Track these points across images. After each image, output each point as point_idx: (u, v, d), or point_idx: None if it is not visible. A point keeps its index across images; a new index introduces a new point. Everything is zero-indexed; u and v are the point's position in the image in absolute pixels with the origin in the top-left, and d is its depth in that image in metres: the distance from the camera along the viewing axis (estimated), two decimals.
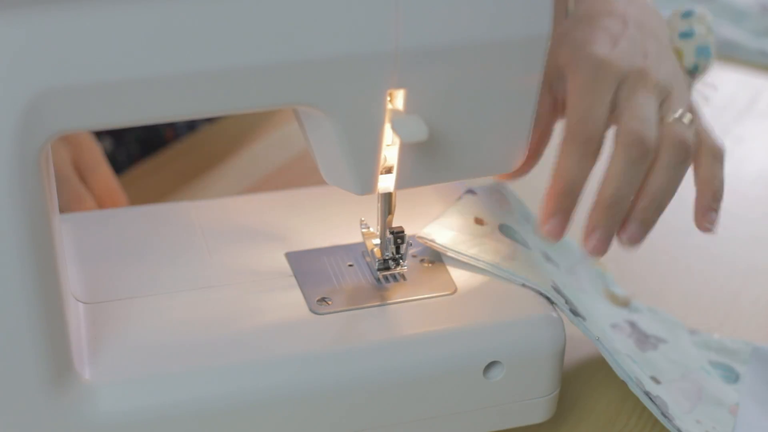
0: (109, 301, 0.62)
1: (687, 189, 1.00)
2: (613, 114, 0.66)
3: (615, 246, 0.92)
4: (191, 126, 1.03)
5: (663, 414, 0.65)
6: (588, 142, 0.65)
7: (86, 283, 0.63)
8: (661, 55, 0.71)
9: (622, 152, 0.65)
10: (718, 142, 0.70)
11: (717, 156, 0.70)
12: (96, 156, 0.85)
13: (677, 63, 0.73)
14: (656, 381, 0.70)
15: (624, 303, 0.80)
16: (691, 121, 0.68)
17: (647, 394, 0.65)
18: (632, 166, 0.65)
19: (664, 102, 0.68)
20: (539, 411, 0.65)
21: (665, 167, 0.66)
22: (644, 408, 0.73)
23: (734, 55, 1.28)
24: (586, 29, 0.70)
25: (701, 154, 0.69)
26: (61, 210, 0.79)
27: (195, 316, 0.61)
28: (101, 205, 0.83)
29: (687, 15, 0.78)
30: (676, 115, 0.67)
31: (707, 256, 0.91)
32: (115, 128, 0.68)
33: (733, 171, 1.03)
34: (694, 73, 0.76)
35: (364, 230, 0.66)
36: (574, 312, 0.65)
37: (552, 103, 0.70)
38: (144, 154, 0.99)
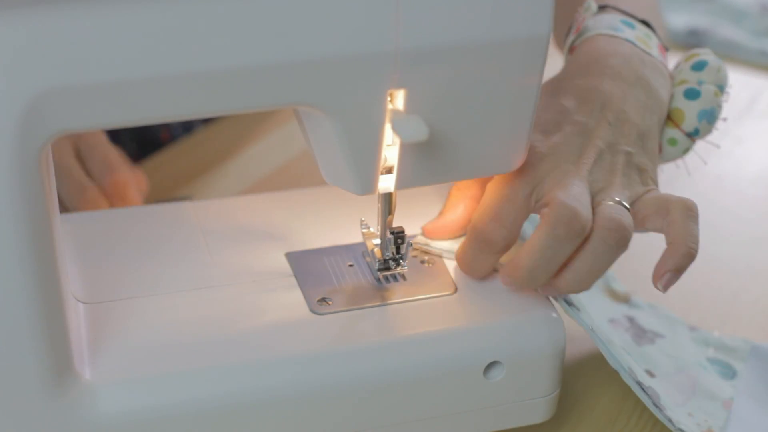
0: (109, 301, 0.62)
1: (683, 191, 1.00)
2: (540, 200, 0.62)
3: None
4: (187, 128, 1.03)
5: (654, 404, 0.65)
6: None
7: (86, 283, 0.63)
8: (619, 145, 0.65)
9: (547, 227, 0.60)
10: (690, 200, 0.64)
11: (691, 212, 0.63)
12: (97, 138, 0.84)
13: (652, 144, 0.68)
14: (651, 374, 0.70)
15: (624, 299, 0.80)
16: (629, 207, 0.63)
17: (639, 384, 0.65)
18: (557, 243, 0.60)
19: (600, 190, 0.63)
20: (539, 411, 0.65)
21: (593, 250, 0.61)
22: (644, 408, 0.73)
23: (734, 55, 1.28)
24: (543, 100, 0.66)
25: (673, 211, 0.63)
26: (64, 204, 0.79)
27: (195, 316, 0.61)
28: (109, 194, 0.81)
29: (698, 67, 0.72)
30: (615, 199, 0.63)
31: (707, 256, 0.90)
32: (116, 128, 0.68)
33: (733, 171, 1.03)
34: (693, 136, 0.71)
35: (364, 230, 0.66)
36: (568, 302, 0.65)
37: None
38: (140, 155, 0.98)
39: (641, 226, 0.65)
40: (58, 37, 0.48)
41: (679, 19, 1.34)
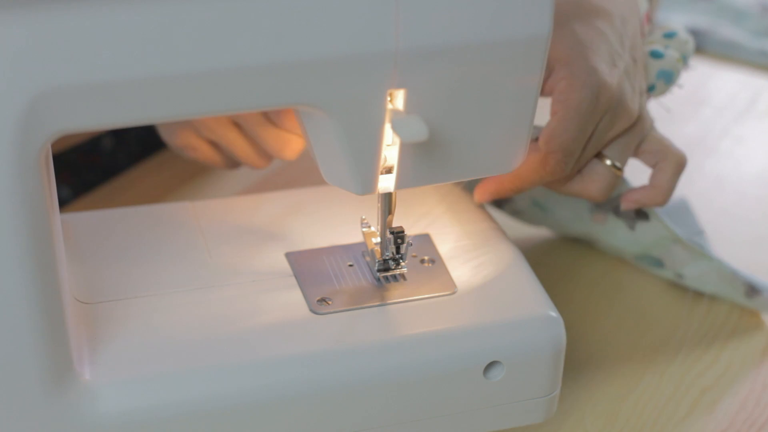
0: (109, 301, 0.62)
1: (683, 191, 1.00)
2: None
3: None
4: None
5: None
6: (566, 157, 0.67)
7: (86, 283, 0.63)
8: (637, 75, 0.73)
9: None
10: (683, 156, 0.74)
11: (681, 167, 0.73)
12: None
13: (643, 78, 0.74)
14: None
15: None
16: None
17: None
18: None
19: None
20: (539, 411, 0.64)
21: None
22: (644, 408, 0.73)
23: (734, 55, 1.28)
24: (583, 28, 0.70)
25: (668, 161, 0.73)
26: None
27: (195, 316, 0.61)
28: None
29: (669, 35, 0.79)
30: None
31: None
32: (116, 128, 0.68)
33: (733, 171, 1.03)
34: (649, 92, 0.77)
35: (364, 229, 0.66)
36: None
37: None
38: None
39: (636, 155, 0.74)
40: (58, 37, 0.48)
41: (679, 19, 1.34)
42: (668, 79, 0.78)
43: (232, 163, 0.81)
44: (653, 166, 0.74)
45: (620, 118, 0.70)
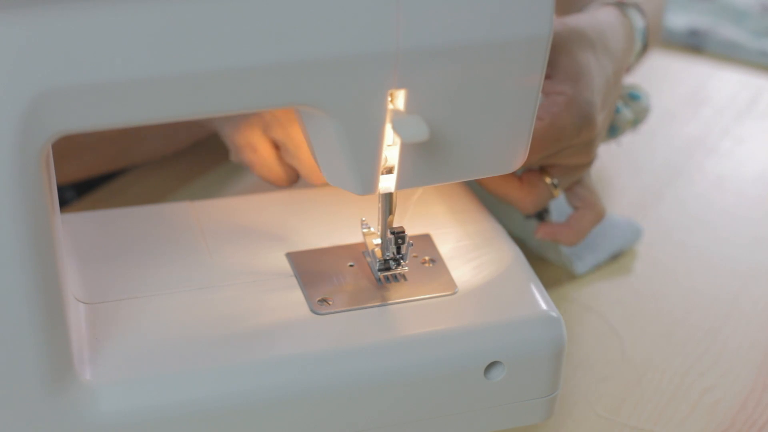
0: (109, 301, 0.62)
1: (686, 191, 1.01)
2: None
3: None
4: None
5: None
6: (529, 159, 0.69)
7: (86, 283, 0.63)
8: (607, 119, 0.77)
9: None
10: (603, 212, 0.79)
11: (598, 219, 0.79)
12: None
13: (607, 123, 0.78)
14: None
15: None
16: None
17: None
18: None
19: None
20: (540, 411, 0.64)
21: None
22: (644, 408, 0.73)
23: (734, 55, 1.28)
24: (592, 57, 0.73)
25: (590, 212, 0.78)
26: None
27: (195, 316, 0.61)
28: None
29: (634, 97, 0.83)
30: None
31: (707, 256, 0.91)
32: (116, 128, 0.68)
33: (733, 171, 1.03)
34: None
35: (365, 230, 0.66)
36: None
37: None
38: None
39: (566, 190, 0.78)
40: (58, 37, 0.48)
41: (679, 19, 1.34)
42: (613, 133, 0.82)
43: (289, 176, 0.74)
44: (575, 208, 0.79)
45: (584, 153, 0.73)
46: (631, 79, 0.90)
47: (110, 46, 0.49)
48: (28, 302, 0.52)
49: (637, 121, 0.84)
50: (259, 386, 0.58)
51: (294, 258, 0.66)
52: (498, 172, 0.62)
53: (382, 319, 0.62)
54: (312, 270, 0.65)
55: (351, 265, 0.66)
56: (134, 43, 0.49)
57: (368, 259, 0.66)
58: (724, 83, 1.22)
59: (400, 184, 0.60)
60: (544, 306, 0.63)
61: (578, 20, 0.76)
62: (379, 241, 0.65)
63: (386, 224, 0.64)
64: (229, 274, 0.64)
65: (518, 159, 0.61)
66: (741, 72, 1.24)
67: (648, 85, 1.23)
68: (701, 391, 0.75)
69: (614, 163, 1.05)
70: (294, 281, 0.64)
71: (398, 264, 0.65)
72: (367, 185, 0.58)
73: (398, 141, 0.57)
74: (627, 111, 0.82)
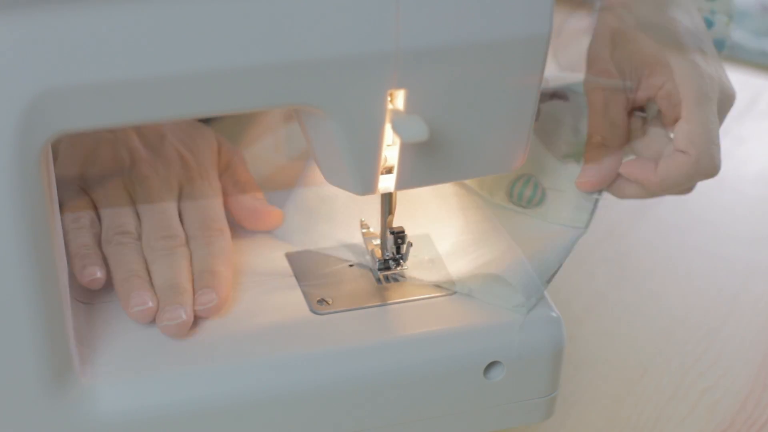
0: (109, 301, 0.62)
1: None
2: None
3: (614, 248, 0.92)
4: None
5: None
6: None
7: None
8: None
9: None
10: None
11: (697, 173, 0.68)
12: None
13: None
14: None
15: None
16: None
17: None
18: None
19: None
20: (539, 411, 0.64)
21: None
22: (644, 408, 0.73)
23: (734, 55, 1.28)
24: (663, 24, 0.69)
25: (690, 154, 0.67)
26: None
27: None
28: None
29: None
30: None
31: (707, 256, 0.91)
32: (116, 128, 0.68)
33: (733, 171, 1.03)
34: None
35: (364, 231, 0.66)
36: None
37: (626, 100, 0.69)
38: None
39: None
40: (58, 37, 0.48)
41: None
42: (720, 46, 0.74)
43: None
44: (674, 149, 0.67)
45: (725, 104, 0.68)
46: None
47: (110, 45, 0.49)
48: (27, 302, 0.52)
49: (732, 15, 0.76)
50: (259, 386, 0.58)
51: (293, 258, 0.66)
52: (498, 172, 0.62)
53: (381, 319, 0.62)
54: (311, 270, 0.65)
55: (350, 265, 0.66)
56: (134, 43, 0.49)
57: (368, 257, 0.66)
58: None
59: (400, 184, 0.60)
60: (543, 306, 0.63)
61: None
62: (378, 241, 0.65)
63: (386, 224, 0.64)
64: None
65: (518, 159, 0.61)
66: (741, 72, 1.24)
67: None
68: (701, 390, 0.75)
69: None
70: (293, 281, 0.64)
71: (398, 264, 0.65)
72: (367, 185, 0.58)
73: (398, 141, 0.57)
74: (717, 15, 0.74)
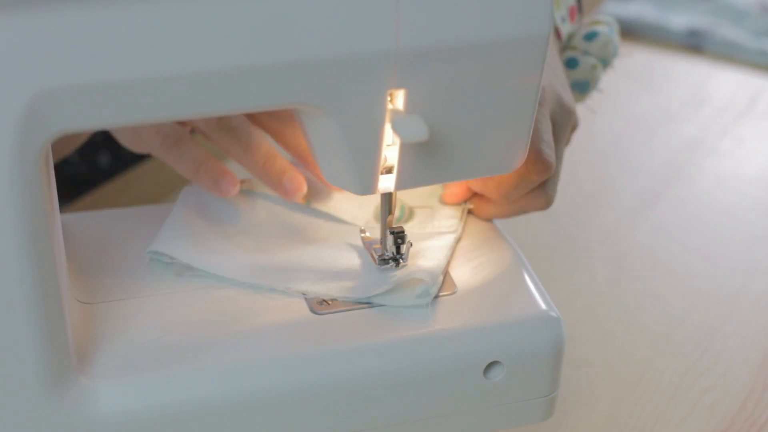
0: (109, 301, 0.62)
1: (685, 191, 1.01)
2: None
3: (614, 248, 0.92)
4: None
5: None
6: (552, 150, 0.67)
7: (86, 283, 0.63)
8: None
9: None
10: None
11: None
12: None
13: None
14: None
15: None
16: None
17: None
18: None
19: None
20: (539, 411, 0.64)
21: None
22: (644, 408, 0.73)
23: (734, 55, 1.28)
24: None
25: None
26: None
27: (195, 316, 0.61)
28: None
29: (588, 38, 0.77)
30: None
31: (707, 256, 0.91)
32: (116, 128, 0.68)
33: (733, 171, 1.03)
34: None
35: (362, 236, 0.66)
36: None
37: None
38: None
39: None
40: (58, 37, 0.48)
41: (679, 19, 1.34)
42: (583, 88, 0.77)
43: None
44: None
45: (564, 118, 0.71)
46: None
47: (110, 45, 0.49)
48: (27, 302, 0.52)
49: (605, 61, 0.77)
50: (258, 386, 0.58)
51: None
52: (498, 172, 0.62)
53: (382, 319, 0.62)
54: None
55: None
56: (134, 43, 0.49)
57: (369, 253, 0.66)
58: (724, 83, 1.22)
59: (400, 184, 0.60)
60: (543, 306, 0.63)
61: None
62: (378, 242, 0.65)
63: (386, 224, 0.64)
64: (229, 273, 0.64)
65: (518, 159, 0.61)
66: (741, 72, 1.24)
67: (648, 85, 1.23)
68: (701, 391, 0.75)
69: (614, 163, 1.05)
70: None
71: (398, 264, 0.65)
72: (367, 185, 0.58)
73: (398, 141, 0.57)
74: (587, 57, 0.76)
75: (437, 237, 0.67)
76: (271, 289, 0.63)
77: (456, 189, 0.70)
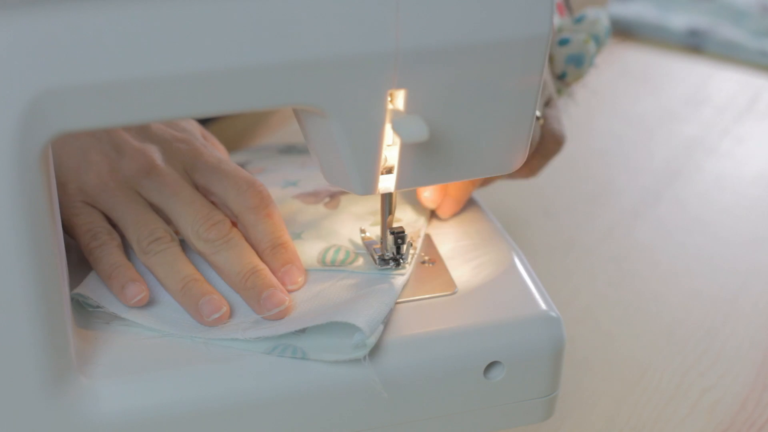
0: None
1: (685, 191, 1.01)
2: None
3: (614, 248, 0.92)
4: None
5: None
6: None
7: (86, 283, 0.63)
8: None
9: None
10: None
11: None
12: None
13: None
14: None
15: None
16: None
17: None
18: None
19: None
20: (539, 411, 0.64)
21: None
22: (644, 408, 0.73)
23: (734, 55, 1.28)
24: None
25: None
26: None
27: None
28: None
29: (578, 20, 0.78)
30: None
31: (707, 256, 0.91)
32: (116, 128, 0.68)
33: (732, 171, 1.03)
34: (563, 78, 0.78)
35: (362, 236, 0.66)
36: None
37: None
38: None
39: None
40: (58, 37, 0.48)
41: (679, 19, 1.34)
42: (578, 62, 0.77)
43: None
44: None
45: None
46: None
47: (110, 46, 0.49)
48: (27, 302, 0.52)
49: (597, 36, 0.78)
50: (259, 386, 0.58)
51: None
52: (498, 172, 0.62)
53: None
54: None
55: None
56: (134, 43, 0.49)
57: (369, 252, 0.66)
58: (724, 83, 1.22)
59: (400, 184, 0.60)
60: (543, 306, 0.63)
61: None
62: (378, 242, 0.65)
63: (386, 224, 0.64)
64: None
65: (518, 159, 0.61)
66: (741, 72, 1.24)
67: (648, 85, 1.23)
68: (701, 391, 0.76)
69: (614, 162, 1.05)
70: None
71: (398, 264, 0.65)
72: (367, 185, 0.58)
73: (398, 141, 0.57)
74: (577, 34, 0.77)
75: (387, 277, 0.64)
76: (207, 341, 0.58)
77: (435, 195, 0.69)
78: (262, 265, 0.60)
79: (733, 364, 0.78)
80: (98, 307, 0.60)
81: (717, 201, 0.98)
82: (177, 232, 0.63)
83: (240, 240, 0.61)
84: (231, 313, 0.60)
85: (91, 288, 0.61)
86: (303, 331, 0.58)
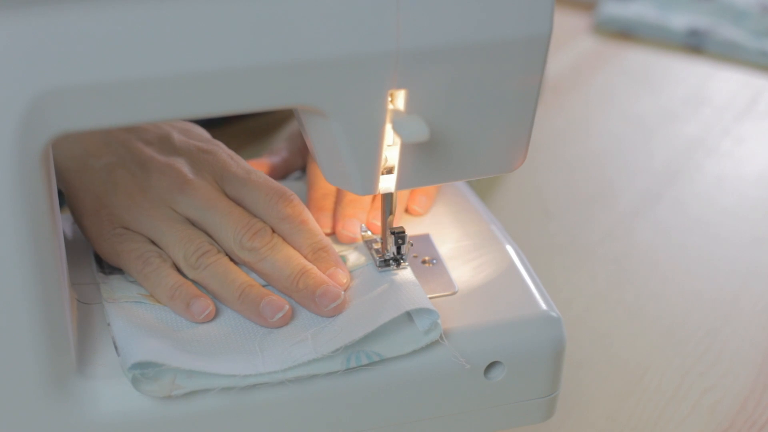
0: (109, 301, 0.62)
1: (685, 191, 1.01)
2: None
3: (614, 248, 0.92)
4: None
5: None
6: None
7: (86, 283, 0.63)
8: None
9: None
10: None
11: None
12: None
13: None
14: None
15: None
16: None
17: None
18: None
19: None
20: (540, 411, 0.64)
21: None
22: (644, 408, 0.73)
23: (734, 55, 1.28)
24: None
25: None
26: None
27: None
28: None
29: None
30: None
31: (707, 256, 0.91)
32: (116, 128, 0.68)
33: (733, 171, 1.03)
34: None
35: (364, 233, 0.66)
36: None
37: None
38: None
39: None
40: (58, 37, 0.48)
41: (679, 19, 1.34)
42: None
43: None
44: None
45: None
46: None
47: (110, 46, 0.49)
48: (27, 302, 0.52)
49: None
50: (259, 386, 0.58)
51: None
52: (498, 172, 0.62)
53: None
54: None
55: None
56: (134, 43, 0.49)
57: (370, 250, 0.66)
58: (724, 83, 1.22)
59: (400, 184, 0.60)
60: (544, 306, 0.63)
61: None
62: (378, 242, 0.65)
63: (386, 224, 0.63)
64: None
65: (518, 159, 0.61)
66: (741, 72, 1.24)
67: (648, 85, 1.23)
68: (701, 391, 0.76)
69: (614, 163, 1.05)
70: None
71: (398, 264, 0.65)
72: (368, 185, 0.58)
73: (398, 141, 0.57)
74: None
75: (395, 273, 0.64)
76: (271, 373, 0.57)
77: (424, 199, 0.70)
78: (309, 265, 0.61)
79: (734, 364, 0.78)
80: (159, 367, 0.56)
81: (717, 201, 0.98)
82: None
83: (283, 244, 0.62)
84: (293, 314, 0.60)
85: (148, 351, 0.57)
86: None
